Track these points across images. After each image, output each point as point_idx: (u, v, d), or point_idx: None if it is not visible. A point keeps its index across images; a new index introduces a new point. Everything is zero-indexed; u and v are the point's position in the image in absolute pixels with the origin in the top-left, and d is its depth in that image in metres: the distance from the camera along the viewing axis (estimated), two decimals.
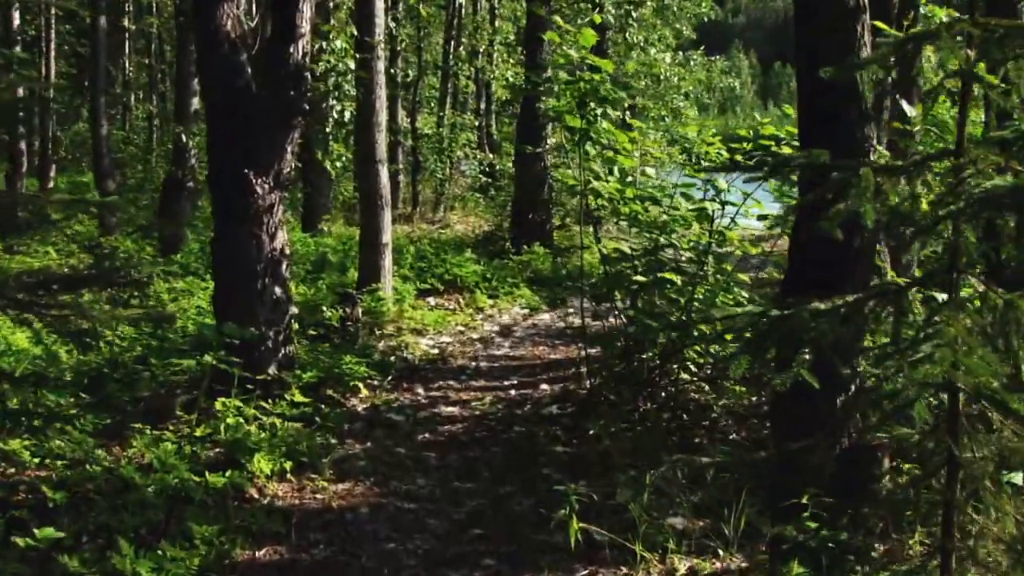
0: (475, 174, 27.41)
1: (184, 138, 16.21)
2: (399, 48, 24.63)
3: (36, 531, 5.07)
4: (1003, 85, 3.74)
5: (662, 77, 26.42)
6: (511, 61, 27.40)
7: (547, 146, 17.94)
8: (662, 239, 8.31)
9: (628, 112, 10.35)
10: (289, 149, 8.52)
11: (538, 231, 17.77)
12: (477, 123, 29.39)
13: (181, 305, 12.33)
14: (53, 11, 24.86)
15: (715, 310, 3.89)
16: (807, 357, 3.78)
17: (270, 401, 8.00)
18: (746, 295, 8.53)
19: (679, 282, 8.15)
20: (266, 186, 8.30)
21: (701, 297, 8.28)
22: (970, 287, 3.79)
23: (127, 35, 30.50)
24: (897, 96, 6.50)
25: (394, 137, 24.21)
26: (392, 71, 22.41)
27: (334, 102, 15.79)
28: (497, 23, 28.85)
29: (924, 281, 3.80)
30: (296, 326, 9.58)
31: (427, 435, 8.32)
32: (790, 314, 3.64)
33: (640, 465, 7.06)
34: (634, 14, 22.51)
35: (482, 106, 30.84)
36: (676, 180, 9.62)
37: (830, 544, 4.32)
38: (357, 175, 12.71)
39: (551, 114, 8.97)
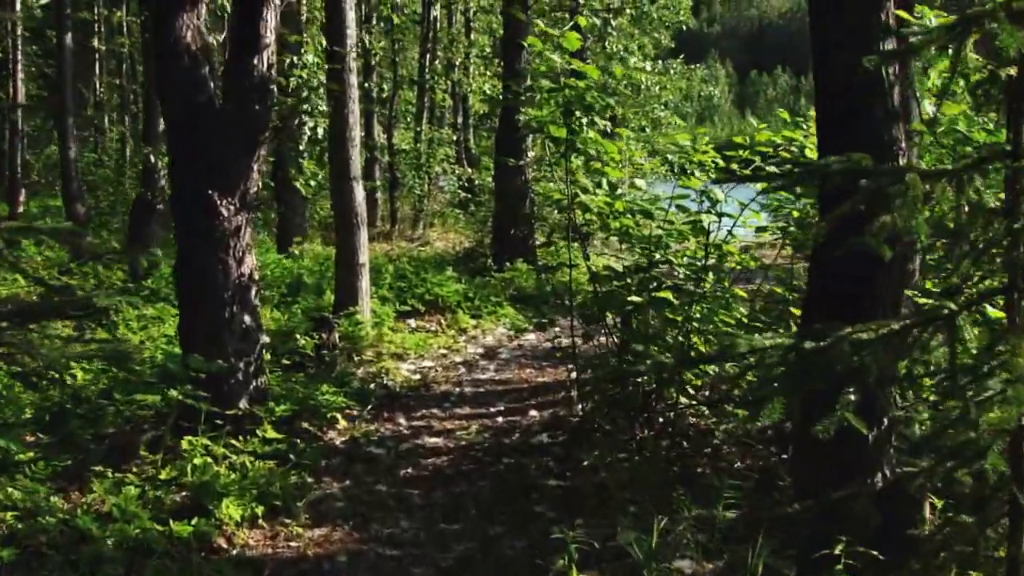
0: (454, 189, 27.01)
1: (153, 159, 15.66)
2: (374, 63, 24.20)
3: None
4: None
5: (643, 87, 26.05)
6: (488, 73, 27.01)
7: (528, 159, 17.45)
8: (657, 255, 7.79)
9: (609, 123, 9.92)
10: (256, 167, 7.98)
11: (520, 247, 17.27)
12: (455, 138, 29.01)
13: (151, 333, 11.76)
14: (20, 31, 24.32)
15: (739, 341, 3.33)
16: (853, 398, 3.26)
17: (241, 438, 7.49)
18: (744, 312, 8.04)
19: (676, 301, 7.64)
20: (232, 207, 7.76)
21: (699, 316, 7.78)
22: None
23: (97, 55, 29.98)
24: (914, 93, 5.99)
25: (370, 153, 23.80)
26: (367, 85, 21.97)
27: (307, 118, 15.29)
28: (473, 36, 28.49)
29: (978, 303, 3.30)
30: (268, 356, 9.04)
31: (410, 469, 7.76)
32: (827, 346, 3.13)
33: (640, 500, 6.57)
34: (613, 23, 22.12)
35: (459, 120, 30.50)
36: (659, 192, 9.18)
37: None
38: (332, 193, 12.14)
39: (533, 125, 8.44)
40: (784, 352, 3.20)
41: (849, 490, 3.69)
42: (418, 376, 10.62)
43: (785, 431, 7.34)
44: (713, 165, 8.00)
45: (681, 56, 30.73)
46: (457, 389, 10.25)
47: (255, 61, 7.85)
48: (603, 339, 8.54)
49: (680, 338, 7.88)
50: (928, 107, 6.21)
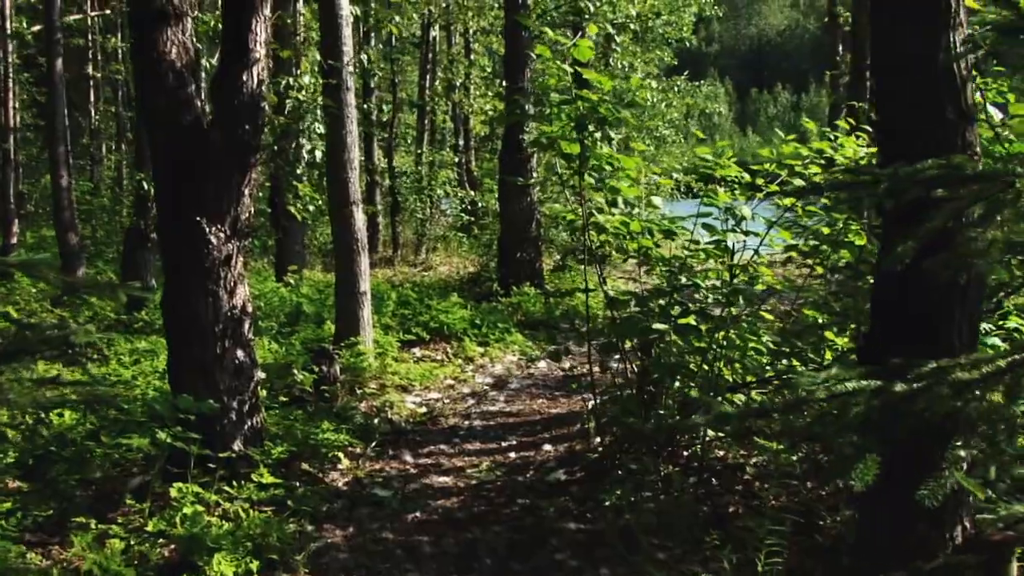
0: (457, 212, 26.58)
1: (145, 186, 15.14)
2: (373, 84, 23.79)
3: None
4: None
5: (648, 103, 25.62)
6: (489, 94, 26.58)
7: (534, 179, 16.96)
8: (683, 278, 7.23)
9: (623, 137, 9.45)
10: (247, 192, 7.42)
11: (527, 270, 16.75)
12: (456, 160, 28.60)
13: (143, 368, 11.22)
14: (11, 58, 23.93)
15: (807, 382, 2.76)
16: (963, 454, 2.71)
17: (235, 483, 6.94)
18: (769, 339, 7.47)
19: (703, 328, 7.09)
20: (222, 235, 7.22)
21: (725, 343, 7.22)
22: None
23: (92, 83, 29.58)
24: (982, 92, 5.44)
25: (371, 177, 23.38)
26: (366, 107, 21.53)
27: (304, 142, 14.79)
28: (472, 56, 28.10)
29: None
30: (264, 393, 8.49)
31: (418, 514, 7.17)
32: (923, 389, 2.57)
33: (670, 545, 6.01)
34: (617, 38, 21.68)
35: (461, 142, 30.09)
36: (666, 211, 8.66)
37: None
38: (331, 218, 11.61)
39: (543, 141, 7.88)
40: (870, 397, 2.65)
41: (932, 549, 3.11)
42: (424, 409, 10.05)
43: (821, 463, 6.79)
44: (739, 179, 7.45)
45: (686, 72, 30.35)
46: (466, 422, 9.69)
47: (244, 78, 7.31)
48: (622, 365, 7.98)
49: (705, 366, 7.33)
50: (992, 109, 5.65)
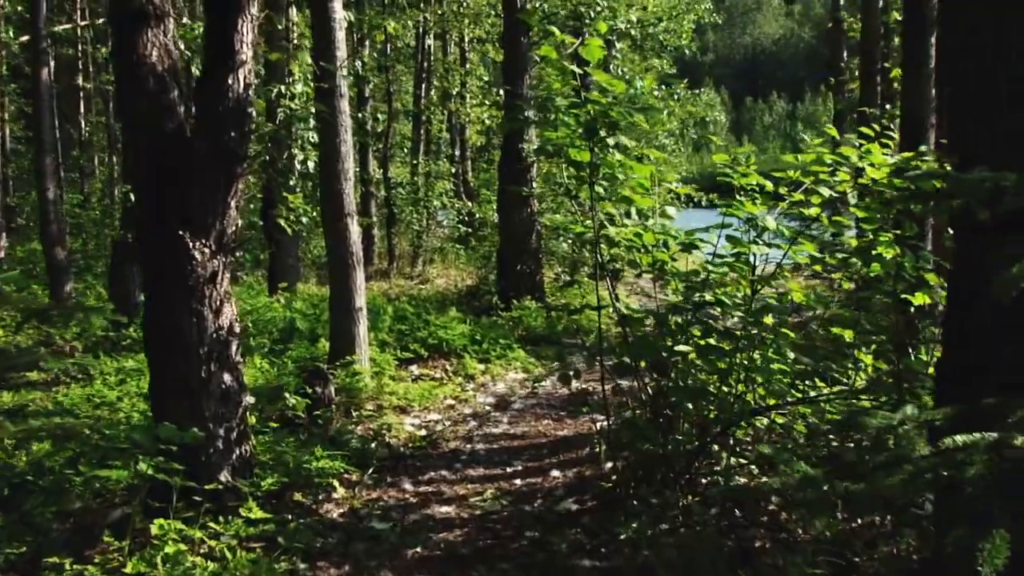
0: (454, 224, 26.13)
1: (133, 197, 14.64)
2: (367, 93, 23.36)
3: None
4: None
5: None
6: (486, 103, 26.13)
7: (534, 189, 16.47)
8: (708, 295, 6.72)
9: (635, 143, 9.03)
10: (233, 204, 6.90)
11: (528, 283, 16.26)
12: (453, 170, 28.15)
13: (128, 388, 10.73)
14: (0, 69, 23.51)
15: (919, 446, 2.23)
16: None
17: (222, 518, 6.43)
18: (792, 357, 6.96)
19: (727, 347, 6.59)
20: (207, 250, 6.71)
21: (747, 364, 6.72)
22: None
23: (82, 94, 29.14)
24: None
25: (366, 188, 22.94)
26: (361, 116, 21.06)
27: (296, 151, 14.31)
28: (468, 65, 27.67)
29: None
30: (253, 419, 7.98)
31: (419, 549, 6.63)
32: None
33: None
34: (617, 44, 21.25)
35: (457, 152, 29.64)
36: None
37: None
38: (324, 231, 11.10)
39: (549, 148, 7.38)
40: (987, 450, 2.15)
41: None
42: (424, 432, 9.53)
43: (850, 491, 6.26)
44: (759, 188, 6.95)
45: (685, 80, 29.96)
46: (468, 446, 9.17)
47: (230, 81, 6.80)
48: (635, 384, 7.47)
49: (725, 388, 6.83)
50: None
